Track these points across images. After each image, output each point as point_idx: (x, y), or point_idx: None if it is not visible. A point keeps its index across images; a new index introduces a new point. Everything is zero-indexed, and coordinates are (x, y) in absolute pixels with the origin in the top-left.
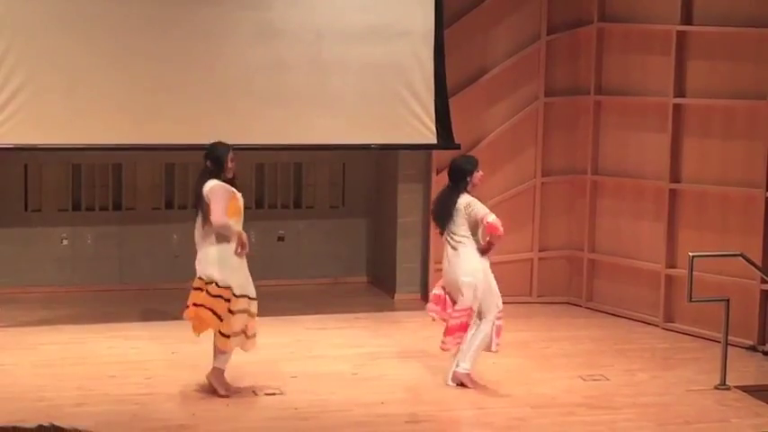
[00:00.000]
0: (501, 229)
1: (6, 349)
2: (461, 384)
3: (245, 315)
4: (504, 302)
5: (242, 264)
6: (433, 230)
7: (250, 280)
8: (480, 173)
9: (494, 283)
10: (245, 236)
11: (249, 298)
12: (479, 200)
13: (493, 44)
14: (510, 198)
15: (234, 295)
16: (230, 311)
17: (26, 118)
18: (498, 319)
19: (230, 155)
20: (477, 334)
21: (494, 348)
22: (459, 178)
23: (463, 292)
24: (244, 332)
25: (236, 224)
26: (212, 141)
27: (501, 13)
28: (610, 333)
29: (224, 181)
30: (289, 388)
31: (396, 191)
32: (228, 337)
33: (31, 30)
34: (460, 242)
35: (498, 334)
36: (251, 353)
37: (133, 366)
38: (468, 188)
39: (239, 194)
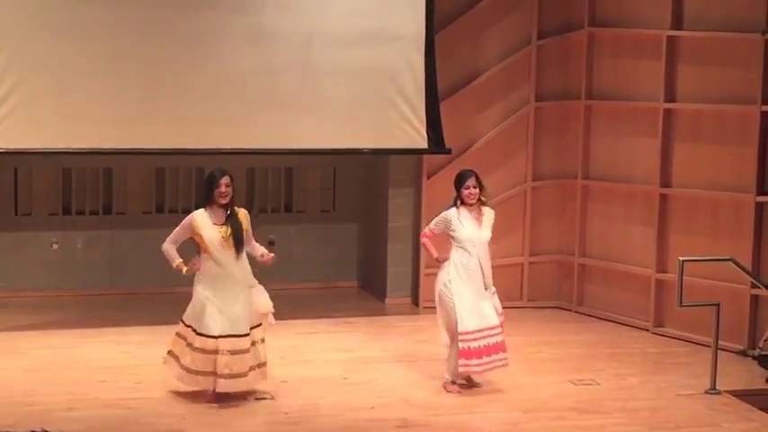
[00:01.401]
0: (422, 239)
1: None
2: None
3: (184, 344)
4: None
5: (205, 298)
6: None
7: (209, 315)
8: (468, 191)
9: (463, 303)
10: (178, 263)
11: (195, 331)
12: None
13: (484, 49)
14: (501, 202)
15: (181, 320)
16: (176, 333)
17: (17, 122)
18: (462, 341)
19: (223, 180)
20: (450, 352)
21: (460, 369)
22: (455, 190)
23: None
24: (183, 364)
25: (210, 261)
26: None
27: (492, 17)
28: (600, 337)
29: (217, 207)
30: (279, 392)
31: (387, 195)
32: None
33: (21, 34)
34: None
35: (466, 355)
36: None
37: (123, 371)
38: (458, 203)
39: (212, 228)
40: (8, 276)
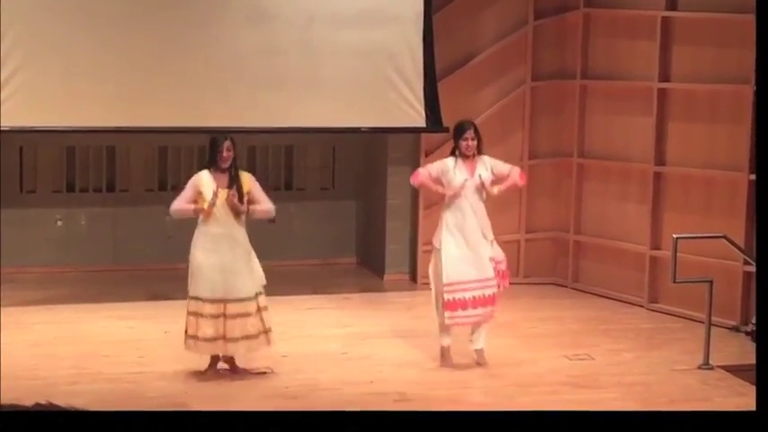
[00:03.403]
0: (417, 179)
1: (1, 328)
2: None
3: (195, 317)
4: None
5: (203, 263)
6: (422, 212)
7: (210, 281)
8: (466, 142)
9: (449, 256)
10: (195, 207)
11: (200, 299)
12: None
13: (481, 29)
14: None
15: (189, 296)
16: (188, 312)
17: (22, 101)
18: (447, 292)
19: (225, 144)
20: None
21: (447, 322)
22: (454, 141)
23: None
24: (196, 335)
25: (211, 222)
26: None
27: None
28: (595, 313)
29: (218, 171)
30: (279, 367)
31: (385, 173)
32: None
33: (26, 13)
34: None
35: (451, 307)
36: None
37: (126, 345)
38: (457, 153)
39: (212, 191)
40: (13, 252)
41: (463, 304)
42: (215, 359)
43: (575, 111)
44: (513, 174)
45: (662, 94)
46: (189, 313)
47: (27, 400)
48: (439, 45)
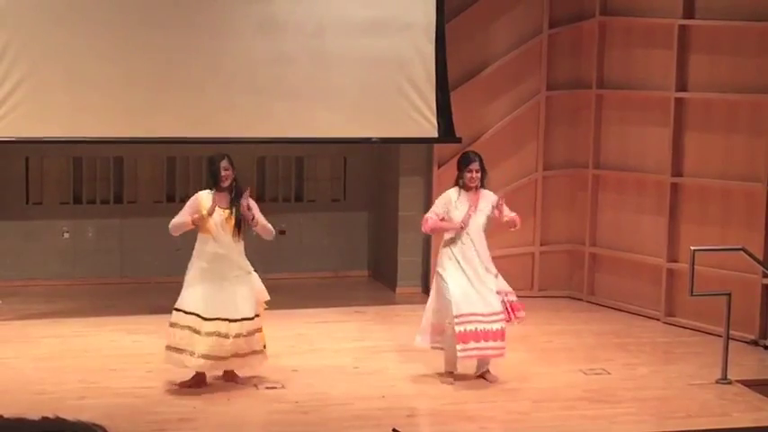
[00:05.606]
0: (427, 225)
1: (8, 342)
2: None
3: (188, 331)
4: None
5: (199, 280)
6: None
7: (206, 297)
8: (471, 174)
9: (457, 287)
10: (194, 217)
11: (197, 316)
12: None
13: (494, 38)
14: (511, 192)
15: (174, 309)
16: (170, 324)
17: (28, 111)
18: (458, 324)
19: (222, 163)
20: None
21: (459, 355)
22: (458, 170)
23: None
24: (186, 350)
25: (210, 241)
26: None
27: (503, 6)
28: (611, 327)
29: (218, 191)
30: (290, 381)
31: (397, 184)
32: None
33: (32, 23)
34: None
35: (463, 339)
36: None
37: (134, 359)
38: (461, 184)
39: (214, 210)
40: (19, 265)
41: (475, 336)
42: (201, 375)
43: (590, 121)
44: (514, 216)
45: (679, 103)
46: (194, 330)
47: (33, 415)
48: (452, 54)
